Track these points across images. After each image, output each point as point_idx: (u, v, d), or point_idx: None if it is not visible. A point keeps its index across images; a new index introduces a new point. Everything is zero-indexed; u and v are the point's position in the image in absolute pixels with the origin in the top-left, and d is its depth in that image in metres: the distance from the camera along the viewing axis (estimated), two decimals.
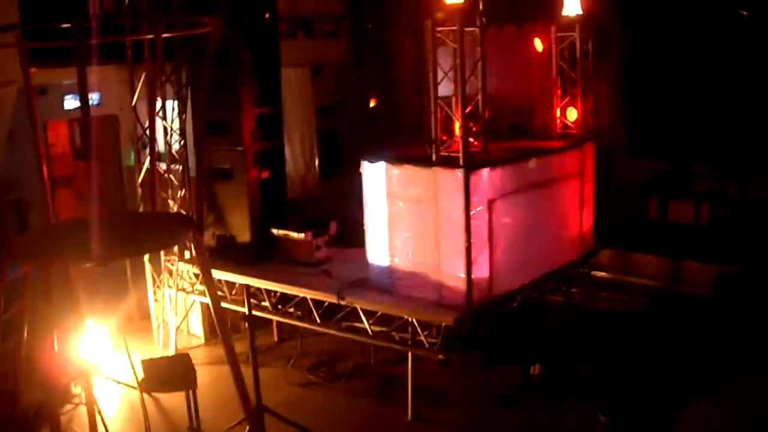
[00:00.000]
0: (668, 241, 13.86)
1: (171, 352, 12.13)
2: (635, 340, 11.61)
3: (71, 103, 17.53)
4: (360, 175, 10.41)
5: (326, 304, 10.51)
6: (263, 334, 12.35)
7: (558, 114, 11.34)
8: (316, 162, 16.08)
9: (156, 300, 12.46)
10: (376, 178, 10.12)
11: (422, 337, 9.60)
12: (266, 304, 11.05)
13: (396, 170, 9.96)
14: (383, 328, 10.08)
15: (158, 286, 12.43)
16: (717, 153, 14.21)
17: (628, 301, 12.89)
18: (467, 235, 9.38)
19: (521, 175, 10.24)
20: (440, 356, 9.49)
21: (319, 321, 10.53)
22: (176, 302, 12.40)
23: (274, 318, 11.26)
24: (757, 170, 14.04)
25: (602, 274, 13.43)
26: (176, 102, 12.29)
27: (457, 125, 9.63)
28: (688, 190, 14.50)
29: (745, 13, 14.44)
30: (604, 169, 12.53)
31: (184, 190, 12.27)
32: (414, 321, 9.67)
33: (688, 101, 14.42)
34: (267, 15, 11.86)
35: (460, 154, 9.32)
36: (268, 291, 10.98)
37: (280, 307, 11.00)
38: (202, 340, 12.59)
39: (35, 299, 7.04)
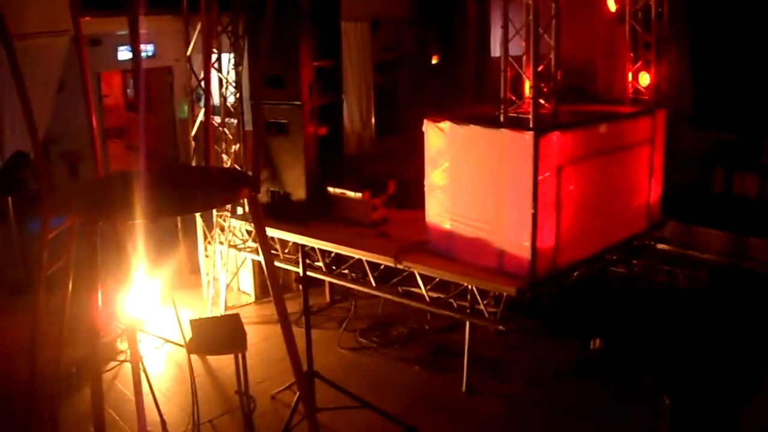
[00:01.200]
0: (732, 215, 13.12)
1: (220, 309, 11.71)
2: (696, 316, 10.94)
3: (125, 54, 17.13)
4: (417, 133, 9.81)
5: (382, 266, 9.98)
6: (315, 294, 11.87)
7: (630, 78, 10.59)
8: (373, 120, 15.53)
9: (207, 256, 12.01)
10: (439, 137, 9.51)
11: (482, 306, 9.03)
12: (320, 264, 10.52)
13: (461, 129, 9.33)
14: (441, 295, 9.53)
15: (209, 242, 11.97)
16: None
17: (690, 276, 12.19)
18: (534, 202, 8.73)
19: (591, 141, 9.53)
20: (500, 326, 8.92)
21: (374, 284, 10.00)
22: (227, 259, 11.94)
23: (328, 279, 10.72)
24: None
25: (665, 246, 12.73)
26: (232, 53, 11.75)
27: (527, 85, 8.98)
28: (755, 163, 13.69)
29: None
30: (668, 137, 11.80)
31: (238, 145, 11.76)
32: (474, 289, 9.11)
33: (759, 71, 13.59)
34: None
35: (530, 116, 8.68)
36: (322, 251, 10.46)
37: (334, 268, 10.49)
38: (253, 298, 12.14)
39: (80, 254, 6.57)
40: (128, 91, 21.04)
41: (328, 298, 11.99)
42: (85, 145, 15.35)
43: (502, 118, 8.97)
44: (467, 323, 9.39)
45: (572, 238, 9.41)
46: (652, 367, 9.54)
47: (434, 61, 13.74)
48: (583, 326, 10.35)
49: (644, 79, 10.50)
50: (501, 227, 9.11)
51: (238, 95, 11.72)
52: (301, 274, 8.61)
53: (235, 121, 11.74)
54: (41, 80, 12.37)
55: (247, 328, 9.22)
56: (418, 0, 14.60)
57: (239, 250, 11.51)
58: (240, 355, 8.20)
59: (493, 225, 9.17)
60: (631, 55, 10.60)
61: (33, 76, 12.06)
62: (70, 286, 7.35)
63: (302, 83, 10.75)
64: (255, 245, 11.27)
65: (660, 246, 12.54)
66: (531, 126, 8.66)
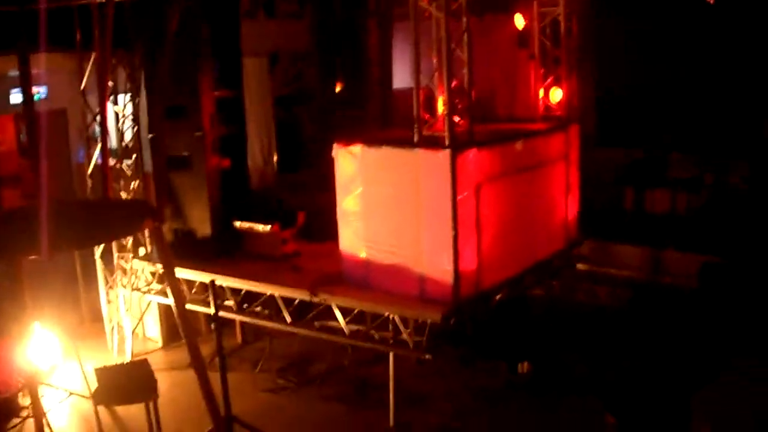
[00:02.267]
0: (646, 231, 12.90)
1: (127, 357, 10.81)
2: (623, 334, 10.57)
3: (17, 96, 16.08)
4: (323, 166, 9.28)
5: (297, 301, 9.32)
6: (226, 335, 11.03)
7: (541, 95, 10.25)
8: (275, 155, 14.88)
9: (109, 301, 11.11)
10: (351, 162, 8.96)
11: (405, 336, 8.45)
12: (230, 303, 9.79)
13: (374, 152, 8.79)
14: (361, 327, 8.91)
15: (111, 286, 11.09)
16: (693, 141, 13.33)
17: (611, 294, 11.87)
18: (454, 223, 8.23)
19: (508, 158, 9.10)
20: (427, 355, 8.35)
21: (289, 320, 9.32)
22: (131, 303, 11.09)
23: (240, 318, 9.98)
24: (735, 159, 13.16)
25: (583, 266, 12.40)
26: (128, 86, 10.99)
27: (440, 101, 8.51)
28: (664, 179, 13.54)
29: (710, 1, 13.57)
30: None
31: (137, 181, 10.96)
32: (395, 318, 8.52)
33: (661, 87, 13.51)
34: None
35: (446, 134, 8.20)
36: (231, 289, 9.74)
37: (246, 306, 9.77)
38: (160, 344, 11.28)
39: None
40: (21, 136, 19.91)
41: (239, 339, 11.21)
42: None
43: (416, 138, 8.47)
44: (391, 355, 8.79)
45: (494, 259, 8.93)
46: (589, 386, 9.10)
47: (338, 89, 13.22)
48: (509, 350, 9.86)
49: (555, 95, 10.16)
50: (420, 252, 8.56)
51: (136, 129, 10.94)
52: (213, 314, 7.87)
53: (134, 156, 10.96)
54: None
55: (156, 375, 8.49)
56: (318, 32, 14.12)
57: (143, 293, 10.68)
58: (151, 404, 7.46)
59: (411, 250, 8.62)
60: (542, 71, 10.28)
61: None
62: None
63: (203, 113, 10.09)
64: (160, 287, 10.48)
65: (579, 266, 12.24)
66: (447, 144, 8.19)
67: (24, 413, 9.12)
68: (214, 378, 7.87)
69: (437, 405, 9.27)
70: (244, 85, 13.42)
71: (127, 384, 7.51)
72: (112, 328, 11.02)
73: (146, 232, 10.45)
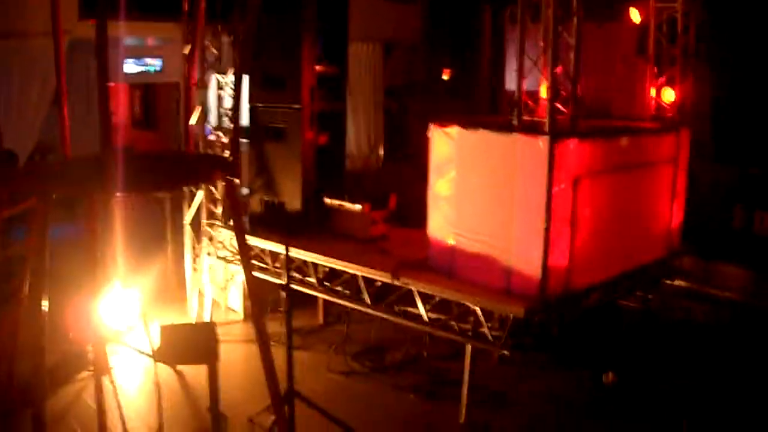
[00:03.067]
0: (753, 252, 11.93)
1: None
2: (718, 355, 9.73)
3: (131, 66, 16.05)
4: (423, 157, 8.77)
5: (378, 284, 8.86)
6: (308, 315, 10.71)
7: (653, 94, 9.50)
8: (381, 145, 14.46)
9: (195, 269, 10.86)
10: (446, 143, 8.43)
11: (485, 329, 7.87)
12: (312, 279, 9.41)
13: (470, 135, 8.24)
14: (441, 316, 8.37)
15: (198, 254, 10.83)
16: None
17: (710, 313, 10.99)
18: (547, 216, 7.62)
19: (612, 154, 8.41)
20: (504, 351, 7.74)
21: (369, 302, 8.86)
22: (215, 272, 10.80)
23: (319, 295, 9.57)
24: None
25: (682, 282, 11.54)
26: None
27: (543, 87, 7.90)
28: None
29: None
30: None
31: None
32: (477, 310, 7.95)
33: None
34: None
35: (546, 120, 7.59)
36: (315, 265, 9.33)
37: (327, 284, 9.35)
38: (241, 316, 10.96)
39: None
40: (135, 106, 20.08)
41: (321, 320, 10.80)
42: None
43: (515, 122, 7.89)
44: (468, 347, 8.21)
45: (588, 259, 8.25)
46: (675, 404, 8.35)
47: (445, 77, 12.70)
48: (595, 358, 9.16)
49: (668, 95, 9.40)
50: (509, 243, 7.97)
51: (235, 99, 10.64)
52: (284, 284, 7.45)
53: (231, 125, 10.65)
54: (39, 80, 11.42)
55: (232, 346, 8.23)
56: (430, 22, 13.63)
57: (227, 262, 10.37)
58: (212, 368, 7.08)
59: (501, 240, 8.03)
60: (655, 69, 9.53)
61: (30, 76, 11.17)
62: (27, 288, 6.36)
63: (303, 85, 9.71)
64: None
65: (679, 282, 11.40)
66: (546, 131, 7.59)
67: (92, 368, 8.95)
68: (305, 356, 7.55)
69: (514, 407, 8.62)
70: (355, 71, 13.17)
71: (190, 345, 7.16)
72: (194, 296, 10.75)
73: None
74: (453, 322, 8.25)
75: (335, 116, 10.39)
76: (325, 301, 10.34)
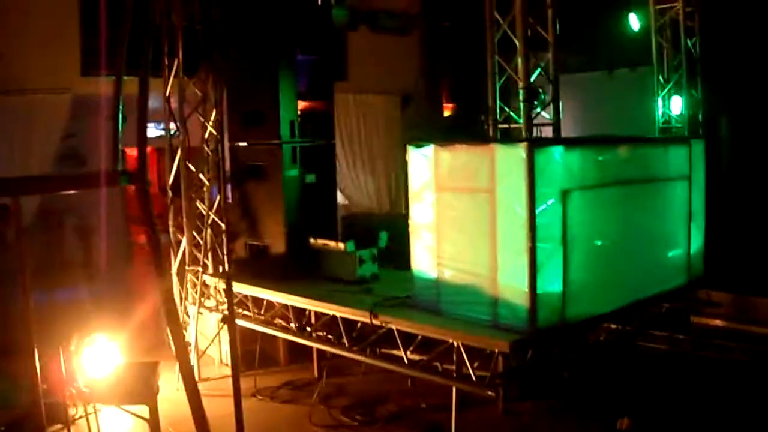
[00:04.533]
0: None
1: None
2: (755, 397, 8.11)
3: (154, 131, 15.16)
4: None
5: (359, 325, 7.59)
6: (302, 369, 9.41)
7: (658, 104, 8.14)
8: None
9: (184, 321, 9.66)
10: (423, 166, 7.20)
11: (470, 368, 6.49)
12: (293, 325, 8.17)
13: (446, 153, 7.00)
14: (423, 357, 7.04)
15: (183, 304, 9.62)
16: None
17: (745, 351, 9.34)
18: (531, 234, 6.28)
19: (608, 165, 7.09)
20: (489, 392, 6.34)
21: (347, 344, 7.56)
22: (206, 323, 9.58)
23: (289, 338, 8.30)
24: None
25: (716, 321, 9.92)
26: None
27: (521, 89, 6.65)
28: None
29: None
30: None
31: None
32: (460, 347, 6.60)
33: None
34: None
35: (522, 126, 6.33)
36: (296, 310, 8.10)
37: (308, 329, 8.09)
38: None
39: None
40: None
41: (315, 373, 9.46)
42: (100, 221, 13.52)
43: (491, 131, 6.64)
44: (453, 391, 6.84)
45: (587, 285, 6.86)
46: None
47: (447, 113, 11.52)
48: (611, 404, 7.64)
49: (675, 104, 8.03)
50: (494, 270, 6.65)
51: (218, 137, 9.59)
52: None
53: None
54: (41, 135, 10.73)
55: (218, 401, 7.10)
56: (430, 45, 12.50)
57: (210, 311, 9.17)
58: (151, 408, 5.91)
59: (485, 268, 6.69)
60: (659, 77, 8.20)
61: (33, 130, 10.61)
62: None
63: (281, 119, 8.61)
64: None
65: (711, 320, 9.80)
66: (523, 137, 6.33)
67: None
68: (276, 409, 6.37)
69: None
70: (371, 124, 12.21)
71: (130, 385, 6.03)
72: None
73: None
74: (437, 363, 6.92)
75: (323, 153, 9.24)
76: (320, 353, 9.04)
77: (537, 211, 6.32)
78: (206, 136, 9.55)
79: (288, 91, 8.66)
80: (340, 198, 14.45)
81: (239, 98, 8.99)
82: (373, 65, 13.11)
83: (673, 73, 8.00)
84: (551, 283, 6.52)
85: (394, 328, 7.07)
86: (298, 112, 9.03)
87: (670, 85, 8.03)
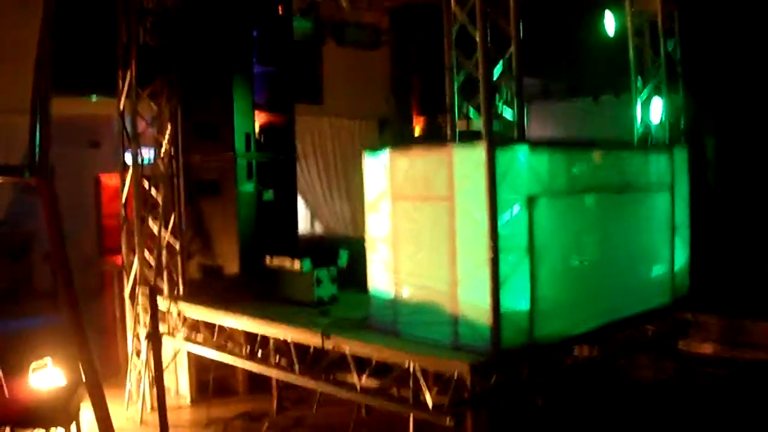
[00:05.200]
0: None
1: (139, 411, 8.33)
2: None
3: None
4: None
5: (312, 350, 6.74)
6: (262, 400, 8.52)
7: (637, 110, 7.34)
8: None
9: (136, 348, 8.76)
10: (379, 174, 6.41)
11: (426, 394, 5.64)
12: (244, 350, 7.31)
13: (402, 159, 6.20)
14: (377, 382, 6.19)
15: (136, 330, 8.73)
16: None
17: (737, 376, 8.48)
18: (493, 243, 5.47)
19: (581, 170, 6.27)
20: (447, 419, 5.47)
21: (298, 370, 6.70)
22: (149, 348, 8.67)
23: (240, 364, 7.41)
24: None
25: (705, 347, 9.05)
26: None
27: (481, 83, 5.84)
28: None
29: None
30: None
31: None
32: (416, 370, 5.76)
33: None
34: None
35: (482, 124, 5.54)
36: (248, 335, 7.26)
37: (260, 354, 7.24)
38: (188, 400, 8.83)
39: None
40: None
41: (274, 404, 8.58)
42: (70, 251, 12.69)
43: (449, 132, 5.85)
44: (410, 419, 5.99)
45: (558, 303, 6.01)
46: None
47: (417, 129, 10.73)
48: None
49: (655, 110, 7.24)
50: (455, 285, 5.82)
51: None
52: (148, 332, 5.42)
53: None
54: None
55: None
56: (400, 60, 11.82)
57: (162, 334, 8.27)
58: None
59: (444, 283, 5.86)
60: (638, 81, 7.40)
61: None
62: None
63: (235, 132, 7.84)
64: (186, 332, 8.11)
65: (700, 348, 8.96)
66: (484, 136, 5.53)
67: None
68: None
69: None
70: (349, 148, 11.54)
71: (49, 407, 5.20)
72: (135, 378, 8.58)
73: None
74: (394, 389, 6.08)
75: (283, 167, 8.46)
76: (282, 381, 8.15)
77: (500, 220, 5.54)
78: (161, 151, 8.80)
79: (243, 102, 7.91)
80: (317, 226, 13.75)
81: (193, 111, 8.22)
82: (348, 86, 12.42)
83: (651, 78, 7.19)
84: (517, 300, 5.69)
85: (347, 351, 6.23)
86: (257, 126, 8.32)
87: (648, 89, 7.18)
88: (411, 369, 5.74)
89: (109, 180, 10.08)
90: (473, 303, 5.62)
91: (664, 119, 7.25)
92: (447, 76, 5.73)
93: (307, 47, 11.05)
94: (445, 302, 5.84)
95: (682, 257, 7.32)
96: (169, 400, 8.75)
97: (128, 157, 8.92)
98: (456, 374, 5.43)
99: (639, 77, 7.36)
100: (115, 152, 9.68)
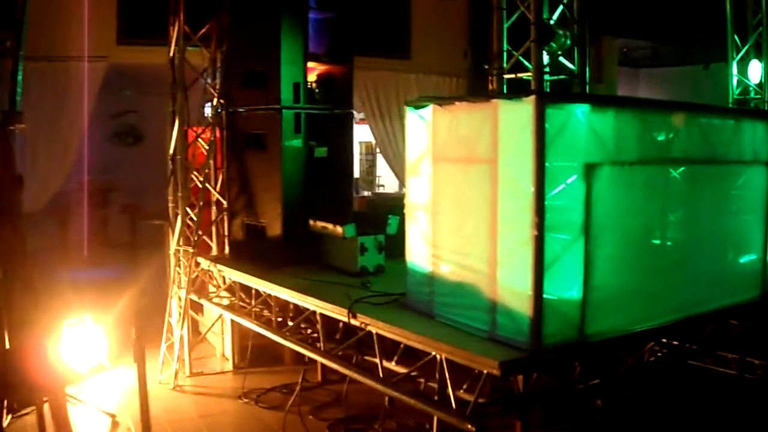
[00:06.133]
0: None
1: (176, 374, 7.62)
2: None
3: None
4: None
5: (341, 325, 5.86)
6: (310, 369, 7.67)
7: (735, 70, 6.00)
8: None
9: (180, 307, 8.07)
10: (421, 131, 5.36)
11: (450, 391, 4.63)
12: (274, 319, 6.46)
13: (445, 114, 5.12)
14: (403, 369, 5.22)
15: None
16: None
17: None
18: (539, 218, 4.36)
19: (656, 136, 5.05)
20: (469, 425, 4.45)
21: (322, 347, 5.80)
22: (209, 311, 8.01)
23: (267, 333, 6.44)
24: None
25: None
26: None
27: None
28: None
29: None
30: None
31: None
32: (443, 361, 4.75)
33: None
34: None
35: (532, 75, 4.41)
36: (280, 301, 6.39)
37: (291, 324, 6.37)
38: (230, 366, 8.09)
39: None
40: None
41: (319, 377, 7.74)
42: (146, 201, 12.24)
43: (493, 84, 4.74)
44: (435, 421, 5.00)
45: (619, 293, 4.87)
46: None
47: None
48: None
49: (755, 70, 5.87)
50: (494, 266, 4.75)
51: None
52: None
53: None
54: (72, 106, 9.52)
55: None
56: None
57: (199, 299, 7.55)
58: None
59: (483, 262, 4.80)
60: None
61: (63, 100, 9.51)
62: None
63: (281, 81, 6.90)
64: (227, 295, 7.34)
65: None
66: (532, 89, 4.41)
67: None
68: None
69: None
70: None
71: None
72: (171, 338, 7.87)
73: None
74: (422, 380, 5.11)
75: (338, 123, 7.49)
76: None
77: (549, 192, 4.42)
78: (214, 102, 7.99)
79: (292, 48, 6.93)
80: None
81: (242, 58, 7.34)
82: (438, 40, 11.41)
83: (751, 32, 5.82)
84: (567, 287, 4.59)
85: (373, 331, 5.28)
86: (313, 77, 7.39)
87: (747, 46, 5.81)
88: (438, 358, 4.74)
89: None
90: (513, 288, 4.54)
91: (763, 82, 5.87)
92: (494, 18, 4.62)
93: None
94: (484, 285, 4.77)
95: None
96: (214, 364, 8.22)
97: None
98: (486, 372, 4.40)
99: (735, 35, 5.99)
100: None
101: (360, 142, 14.27)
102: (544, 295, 4.43)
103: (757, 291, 5.81)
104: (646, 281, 5.04)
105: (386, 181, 14.71)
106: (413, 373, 5.15)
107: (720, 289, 5.53)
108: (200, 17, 7.80)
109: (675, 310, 5.23)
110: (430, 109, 5.22)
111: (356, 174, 14.23)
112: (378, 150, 13.28)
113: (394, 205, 7.90)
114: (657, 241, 5.11)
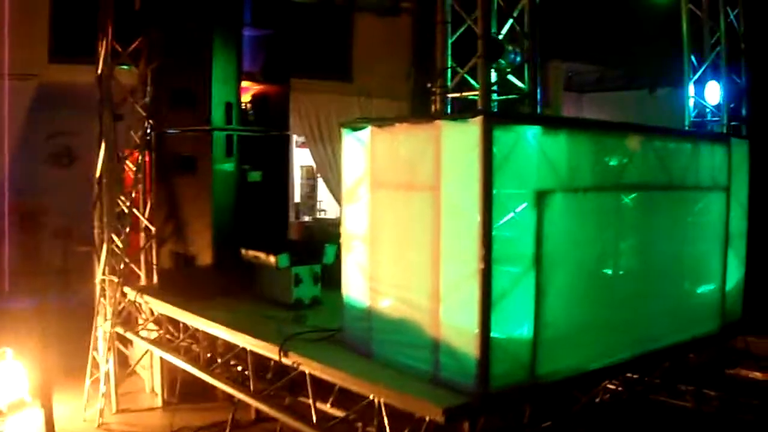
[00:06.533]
0: None
1: (101, 411, 6.93)
2: None
3: None
4: None
5: (272, 364, 5.31)
6: (244, 405, 7.07)
7: (691, 91, 5.65)
8: None
9: (104, 340, 7.39)
10: (359, 154, 4.87)
11: None
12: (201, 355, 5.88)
13: (384, 136, 4.64)
14: (339, 413, 4.70)
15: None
16: None
17: None
18: (485, 252, 3.92)
19: (610, 161, 4.64)
20: None
21: (252, 387, 5.24)
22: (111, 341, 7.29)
23: (193, 371, 5.87)
24: None
25: (756, 374, 7.31)
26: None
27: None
28: None
29: None
30: None
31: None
32: (383, 406, 4.24)
33: None
34: None
35: (479, 95, 3.97)
36: (207, 336, 5.82)
37: (220, 361, 5.79)
38: (158, 402, 7.44)
39: None
40: None
41: (253, 415, 7.14)
42: (77, 222, 11.50)
43: (437, 103, 4.28)
44: None
45: (573, 330, 4.42)
46: None
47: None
48: None
49: (712, 93, 5.53)
50: (437, 301, 4.27)
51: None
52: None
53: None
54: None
55: None
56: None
57: (125, 332, 6.90)
58: None
59: (425, 296, 4.32)
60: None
61: None
62: None
63: (212, 102, 6.33)
64: (155, 328, 6.71)
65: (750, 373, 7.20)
66: (479, 109, 3.96)
67: None
68: None
69: None
70: None
71: None
72: (98, 374, 7.14)
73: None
74: (359, 424, 4.58)
75: (275, 145, 6.96)
76: None
77: (497, 220, 3.96)
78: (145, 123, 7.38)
79: (223, 66, 6.39)
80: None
81: (172, 76, 6.78)
82: (380, 63, 11.02)
83: (708, 52, 5.49)
84: (516, 324, 4.12)
85: (306, 371, 4.75)
86: (248, 97, 6.87)
87: (705, 66, 5.47)
88: (376, 402, 4.23)
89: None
90: (458, 325, 4.07)
91: (722, 104, 5.52)
92: (438, 33, 4.17)
93: (337, 16, 9.79)
94: (425, 321, 4.29)
95: (735, 274, 5.58)
96: (142, 399, 7.54)
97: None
98: (427, 418, 3.91)
99: (692, 55, 5.65)
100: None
101: (301, 167, 13.76)
102: (492, 334, 3.97)
103: (716, 323, 5.42)
104: (601, 316, 4.61)
105: (328, 205, 14.19)
106: (351, 417, 4.65)
107: (678, 323, 5.12)
108: (132, 34, 7.23)
109: (631, 346, 4.81)
110: (368, 131, 4.73)
111: (297, 199, 13.76)
112: (318, 174, 12.83)
113: (334, 231, 7.40)
114: (612, 273, 4.68)
